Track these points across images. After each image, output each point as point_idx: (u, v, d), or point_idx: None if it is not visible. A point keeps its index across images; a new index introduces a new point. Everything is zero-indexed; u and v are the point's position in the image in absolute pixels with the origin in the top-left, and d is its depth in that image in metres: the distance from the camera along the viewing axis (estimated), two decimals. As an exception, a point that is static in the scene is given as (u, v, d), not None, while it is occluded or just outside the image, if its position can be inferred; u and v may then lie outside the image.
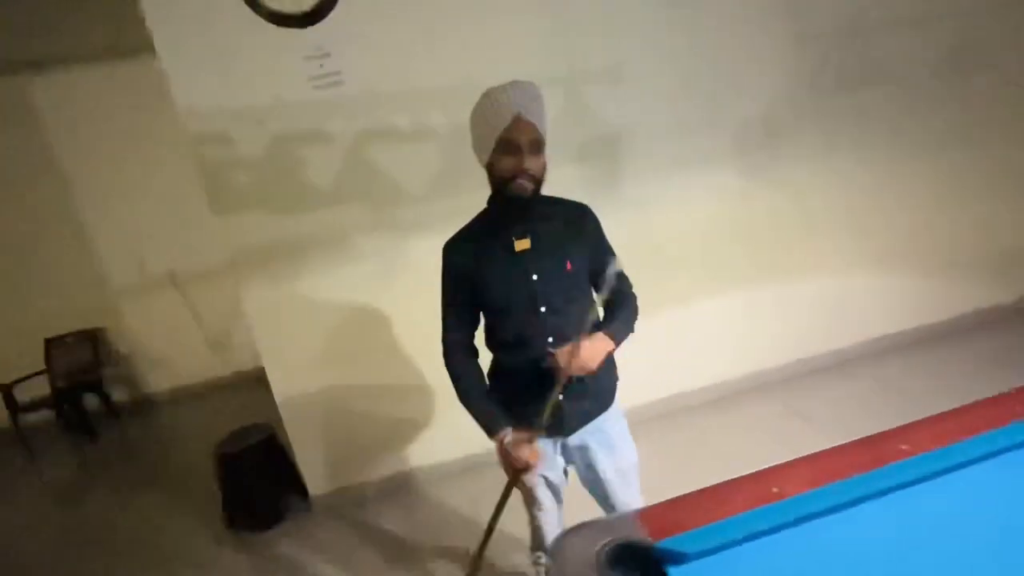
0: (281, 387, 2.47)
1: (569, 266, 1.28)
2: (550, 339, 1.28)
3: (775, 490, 0.95)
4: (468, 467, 2.64)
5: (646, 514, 0.98)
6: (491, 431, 1.30)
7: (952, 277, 3.15)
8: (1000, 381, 1.26)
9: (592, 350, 1.21)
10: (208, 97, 2.14)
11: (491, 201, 1.31)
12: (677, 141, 2.61)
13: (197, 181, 2.28)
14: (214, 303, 4.39)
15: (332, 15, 2.17)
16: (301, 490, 2.66)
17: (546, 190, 1.28)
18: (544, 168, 1.24)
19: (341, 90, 2.25)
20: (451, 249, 1.35)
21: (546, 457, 1.37)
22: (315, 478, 2.63)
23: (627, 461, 1.43)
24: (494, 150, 1.20)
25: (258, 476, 2.58)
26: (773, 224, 2.82)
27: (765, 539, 0.87)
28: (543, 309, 1.27)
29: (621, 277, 1.36)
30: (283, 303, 2.38)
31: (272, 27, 2.16)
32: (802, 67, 2.69)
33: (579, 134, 2.50)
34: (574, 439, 1.39)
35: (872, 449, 1.02)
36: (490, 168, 1.25)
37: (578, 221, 1.33)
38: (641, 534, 0.91)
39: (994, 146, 3.04)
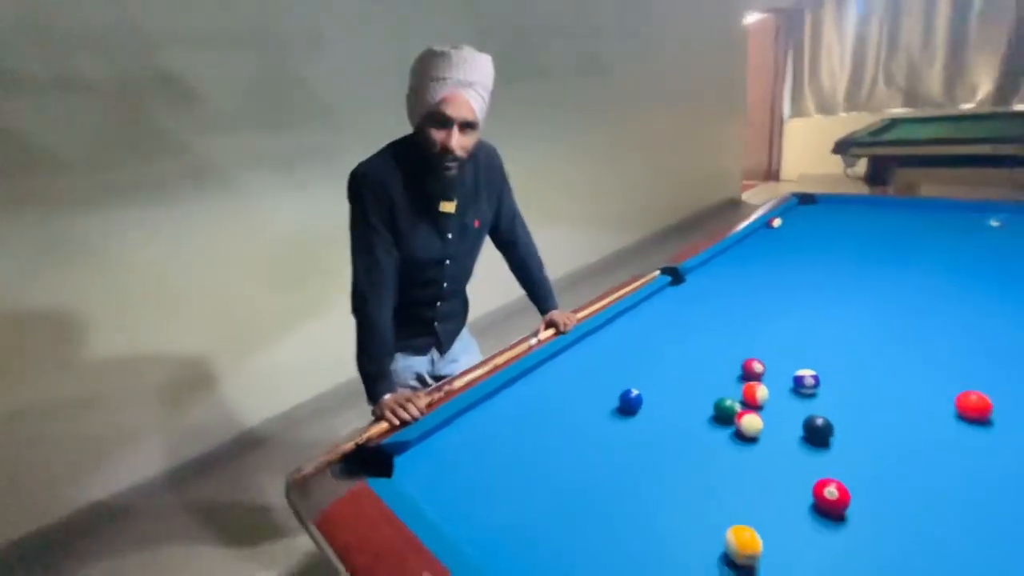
0: None
1: (477, 223, 1.34)
2: (445, 284, 1.36)
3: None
4: (181, 479, 2.37)
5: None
6: (381, 393, 1.21)
7: (597, 227, 4.25)
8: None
9: (569, 315, 1.52)
10: None
11: (415, 155, 1.20)
12: (388, 112, 2.77)
13: None
14: None
15: None
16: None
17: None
18: (474, 145, 1.20)
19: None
20: (375, 182, 1.20)
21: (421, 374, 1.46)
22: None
23: (477, 356, 1.60)
24: (423, 117, 1.14)
25: None
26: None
27: (462, 416, 1.14)
28: (448, 262, 1.33)
29: (521, 223, 1.50)
30: None
31: None
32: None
33: (282, 100, 2.43)
34: (449, 353, 1.51)
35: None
36: (417, 132, 1.17)
37: (488, 172, 1.36)
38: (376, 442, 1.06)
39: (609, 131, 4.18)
